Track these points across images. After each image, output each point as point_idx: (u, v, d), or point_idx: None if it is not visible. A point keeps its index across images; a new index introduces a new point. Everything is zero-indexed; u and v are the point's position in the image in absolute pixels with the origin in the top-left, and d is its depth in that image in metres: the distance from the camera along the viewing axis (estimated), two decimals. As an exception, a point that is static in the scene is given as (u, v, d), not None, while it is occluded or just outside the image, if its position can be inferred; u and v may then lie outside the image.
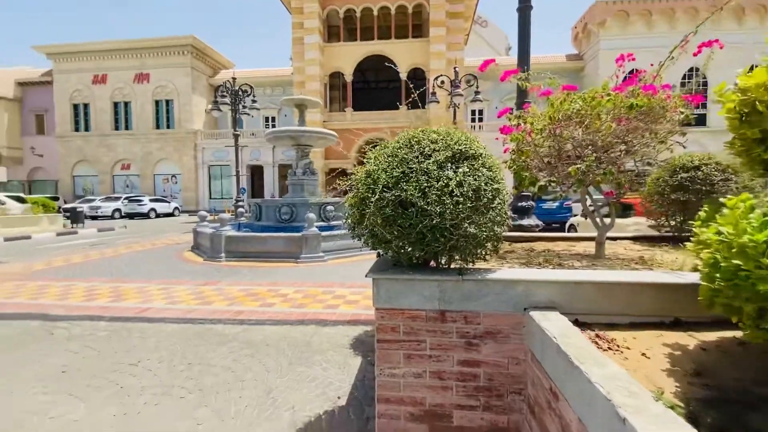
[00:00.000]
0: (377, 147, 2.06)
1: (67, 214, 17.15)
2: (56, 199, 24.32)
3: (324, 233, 8.41)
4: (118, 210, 23.87)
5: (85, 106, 32.11)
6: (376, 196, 1.75)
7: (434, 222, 1.69)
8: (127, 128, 31.86)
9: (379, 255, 2.06)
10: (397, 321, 1.92)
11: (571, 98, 2.42)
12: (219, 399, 2.67)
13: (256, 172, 30.79)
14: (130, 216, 24.02)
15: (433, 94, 14.89)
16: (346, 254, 8.61)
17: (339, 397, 2.66)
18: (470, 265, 1.95)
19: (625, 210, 9.23)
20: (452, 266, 1.99)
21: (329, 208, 10.14)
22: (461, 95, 14.13)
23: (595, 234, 4.18)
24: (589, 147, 2.58)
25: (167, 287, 5.88)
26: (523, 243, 3.49)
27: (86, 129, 32.15)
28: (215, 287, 5.87)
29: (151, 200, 25.48)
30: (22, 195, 18.12)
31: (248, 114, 16.71)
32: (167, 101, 31.31)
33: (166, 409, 2.57)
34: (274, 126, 30.91)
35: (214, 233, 8.42)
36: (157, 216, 24.91)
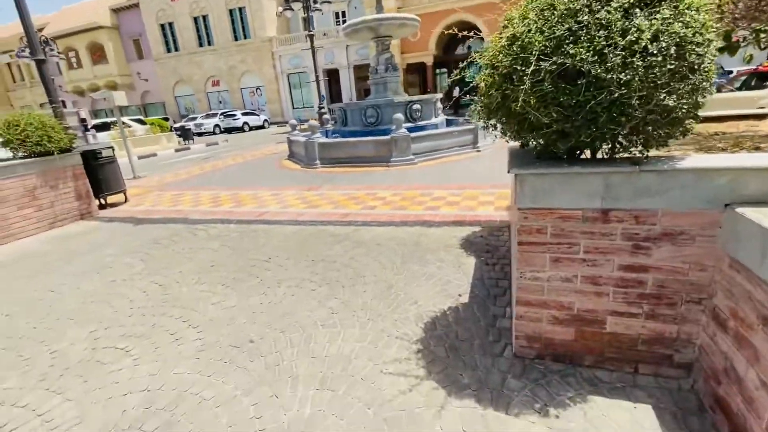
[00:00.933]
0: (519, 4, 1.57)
1: (178, 132, 19.19)
2: (167, 119, 27.18)
3: (412, 134, 8.06)
4: (218, 126, 25.91)
5: (170, 25, 33.25)
6: (531, 68, 1.36)
7: (615, 96, 1.27)
8: (209, 44, 32.71)
9: (523, 146, 1.73)
10: (544, 222, 1.67)
11: None
12: (346, 292, 2.87)
13: (332, 77, 30.07)
14: (228, 130, 25.99)
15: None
16: (435, 156, 8.26)
17: (460, 295, 2.66)
18: (645, 153, 1.53)
19: (762, 80, 7.32)
20: (616, 156, 1.60)
21: (416, 107, 9.55)
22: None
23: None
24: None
25: (277, 193, 6.35)
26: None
27: (176, 49, 33.82)
28: (317, 192, 6.17)
29: (243, 114, 27.02)
30: (141, 117, 20.56)
31: (319, 10, 15.62)
32: (240, 9, 30.82)
33: (302, 299, 2.84)
34: (344, 22, 28.87)
35: (307, 141, 8.63)
36: (250, 129, 26.59)
